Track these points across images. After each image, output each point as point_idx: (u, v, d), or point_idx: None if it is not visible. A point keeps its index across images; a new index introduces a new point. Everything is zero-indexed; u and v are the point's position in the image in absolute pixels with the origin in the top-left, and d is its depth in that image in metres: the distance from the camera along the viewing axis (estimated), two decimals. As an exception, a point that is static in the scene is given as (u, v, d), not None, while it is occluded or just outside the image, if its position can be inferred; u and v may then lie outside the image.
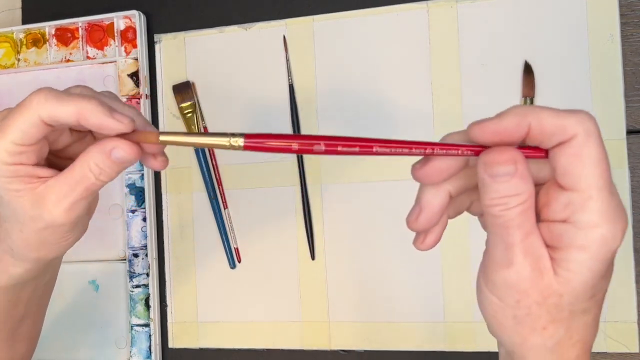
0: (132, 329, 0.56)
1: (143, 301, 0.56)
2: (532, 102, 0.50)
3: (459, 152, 0.27)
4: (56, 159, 0.34)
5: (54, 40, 0.59)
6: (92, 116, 0.29)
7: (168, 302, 0.57)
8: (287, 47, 0.55)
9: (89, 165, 0.31)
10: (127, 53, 0.57)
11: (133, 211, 0.57)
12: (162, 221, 0.58)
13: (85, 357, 0.58)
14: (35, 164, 0.31)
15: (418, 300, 0.52)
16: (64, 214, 0.31)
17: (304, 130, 0.55)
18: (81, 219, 0.33)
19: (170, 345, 0.57)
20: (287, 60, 0.55)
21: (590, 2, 0.49)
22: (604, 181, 0.25)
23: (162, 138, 0.30)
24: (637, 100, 0.49)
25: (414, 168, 0.28)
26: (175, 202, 0.57)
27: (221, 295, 0.56)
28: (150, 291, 0.56)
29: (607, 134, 0.48)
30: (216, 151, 0.57)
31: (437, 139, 0.28)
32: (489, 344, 0.51)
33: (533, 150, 0.26)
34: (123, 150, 0.30)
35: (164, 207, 0.58)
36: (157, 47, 0.58)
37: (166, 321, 0.57)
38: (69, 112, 0.29)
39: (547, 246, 0.26)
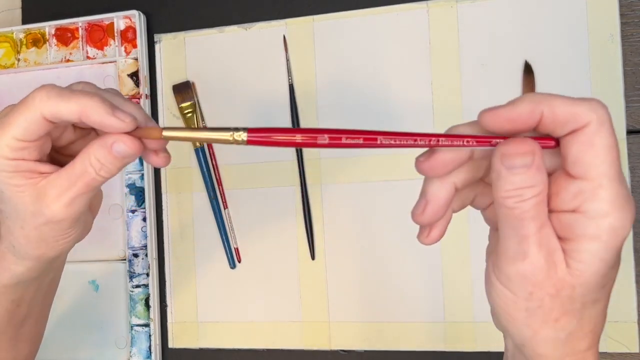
0: (132, 329, 0.56)
1: (143, 301, 0.56)
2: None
3: (463, 142, 0.26)
4: (60, 156, 0.34)
5: (54, 40, 0.59)
6: (94, 114, 0.29)
7: (168, 302, 0.57)
8: (287, 47, 0.55)
9: (90, 160, 0.31)
10: (127, 53, 0.57)
11: (133, 211, 0.57)
12: (162, 221, 0.58)
13: (85, 357, 0.58)
14: (37, 160, 0.31)
15: (418, 300, 0.52)
16: (64, 209, 0.31)
17: (304, 130, 0.55)
18: (82, 216, 0.33)
19: (170, 345, 0.57)
20: (287, 60, 0.55)
21: (590, 2, 0.49)
22: (615, 170, 0.25)
23: (166, 134, 0.30)
24: (637, 100, 0.49)
25: (419, 161, 0.28)
26: (175, 202, 0.57)
27: (221, 295, 0.56)
28: (150, 291, 0.56)
29: (607, 134, 0.48)
30: (216, 151, 0.57)
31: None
32: (489, 344, 0.51)
33: (543, 140, 0.26)
34: (124, 144, 0.30)
35: (164, 207, 0.58)
36: (157, 47, 0.58)
37: (166, 321, 0.57)
38: (70, 109, 0.29)
39: (558, 238, 0.26)
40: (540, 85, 0.50)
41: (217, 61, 0.57)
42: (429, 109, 0.52)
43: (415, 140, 0.27)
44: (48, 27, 0.59)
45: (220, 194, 0.56)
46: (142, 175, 0.57)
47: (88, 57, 0.58)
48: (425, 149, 0.28)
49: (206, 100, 0.57)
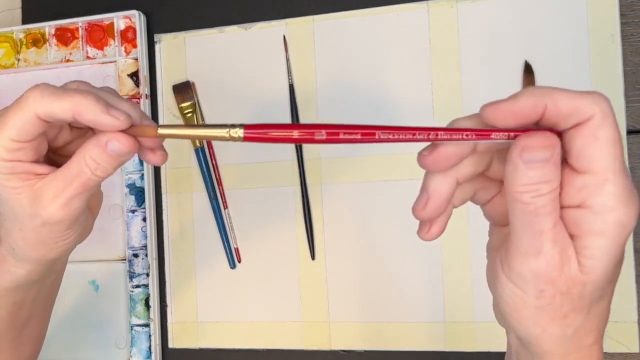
0: (132, 329, 0.56)
1: (143, 301, 0.56)
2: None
3: (463, 136, 0.26)
4: (57, 157, 0.34)
5: (54, 40, 0.59)
6: (88, 112, 0.29)
7: (168, 302, 0.57)
8: (287, 47, 0.55)
9: (85, 159, 0.30)
10: (127, 53, 0.57)
11: (133, 211, 0.57)
12: (162, 221, 0.58)
13: (85, 357, 0.58)
14: (34, 161, 0.31)
15: (418, 300, 0.52)
16: (60, 211, 0.31)
17: (304, 130, 0.55)
18: (81, 217, 0.33)
19: (170, 345, 0.57)
20: (287, 60, 0.55)
21: (590, 2, 0.49)
22: (619, 163, 0.24)
23: (161, 131, 0.29)
24: (637, 100, 0.49)
25: (421, 155, 0.28)
26: (175, 202, 0.57)
27: (221, 295, 0.56)
28: (150, 291, 0.56)
29: (607, 134, 0.48)
30: (216, 151, 0.57)
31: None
32: (489, 344, 0.51)
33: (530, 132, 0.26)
34: (118, 142, 0.30)
35: (164, 207, 0.58)
36: (157, 47, 0.58)
37: (166, 321, 0.57)
38: (64, 108, 0.29)
39: None
40: (540, 85, 0.50)
41: (217, 61, 0.57)
42: (429, 108, 0.52)
43: (414, 134, 0.27)
44: (48, 27, 0.59)
45: (220, 194, 0.56)
46: (142, 175, 0.57)
47: (88, 57, 0.58)
48: (426, 144, 0.28)
49: (206, 100, 0.57)
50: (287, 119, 0.55)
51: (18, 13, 0.62)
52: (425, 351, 0.52)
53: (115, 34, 0.57)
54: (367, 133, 0.27)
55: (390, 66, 0.53)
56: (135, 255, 0.57)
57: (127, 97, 0.57)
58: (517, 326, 0.27)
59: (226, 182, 0.56)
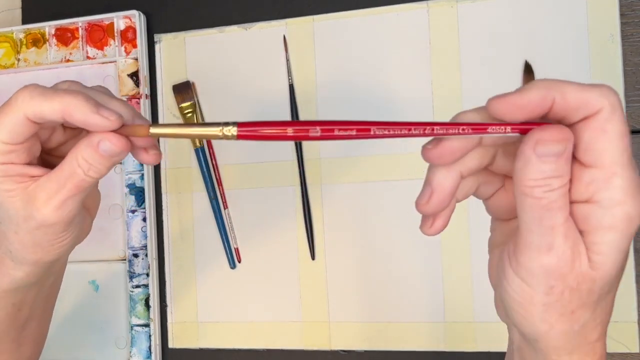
0: (132, 329, 0.56)
1: (143, 301, 0.56)
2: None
3: (459, 130, 0.26)
4: (51, 158, 0.34)
5: (54, 40, 0.59)
6: (77, 112, 0.28)
7: (168, 302, 0.57)
8: (287, 47, 0.55)
9: (78, 160, 0.30)
10: (127, 53, 0.57)
11: (133, 211, 0.57)
12: (162, 221, 0.58)
13: (85, 357, 0.58)
14: (27, 163, 0.31)
15: (418, 300, 0.52)
16: (54, 213, 0.30)
17: (304, 130, 0.55)
18: (76, 218, 0.33)
19: (170, 345, 0.57)
20: (287, 60, 0.55)
21: (590, 2, 0.49)
22: (627, 157, 0.24)
23: (153, 130, 0.29)
24: (637, 100, 0.49)
25: (426, 149, 0.27)
26: (175, 202, 0.57)
27: (221, 295, 0.56)
28: (150, 291, 0.56)
29: (607, 134, 0.48)
30: (216, 151, 0.57)
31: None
32: (489, 344, 0.51)
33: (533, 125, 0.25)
34: (110, 142, 0.29)
35: (164, 207, 0.58)
36: (157, 47, 0.58)
37: (166, 321, 0.57)
38: (53, 108, 0.29)
39: None
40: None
41: (217, 61, 0.57)
42: (429, 108, 0.52)
43: (410, 129, 0.26)
44: (48, 27, 0.59)
45: (220, 194, 0.56)
46: (142, 175, 0.57)
47: (88, 57, 0.58)
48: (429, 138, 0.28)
49: (206, 100, 0.57)
50: (287, 119, 0.55)
51: (18, 13, 0.62)
52: (425, 351, 0.52)
53: (115, 34, 0.57)
54: (362, 129, 0.26)
55: (390, 66, 0.53)
56: (135, 255, 0.56)
57: (127, 97, 0.57)
58: (523, 322, 0.27)
59: (226, 182, 0.56)
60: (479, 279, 0.51)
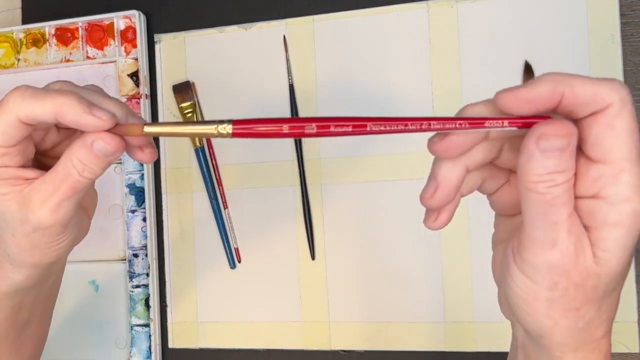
0: (132, 329, 0.56)
1: (143, 301, 0.56)
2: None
3: (456, 125, 0.26)
4: (46, 159, 0.33)
5: (54, 40, 0.59)
6: (70, 113, 0.28)
7: (168, 302, 0.57)
8: (287, 47, 0.55)
9: (72, 161, 0.29)
10: (127, 53, 0.57)
11: (133, 211, 0.57)
12: (162, 221, 0.58)
13: (85, 357, 0.58)
14: (21, 166, 0.30)
15: (418, 300, 0.52)
16: (50, 215, 0.30)
17: (304, 130, 0.55)
18: (73, 220, 0.32)
19: (170, 345, 0.57)
20: (287, 60, 0.55)
21: (590, 2, 0.49)
22: (636, 153, 0.24)
23: (147, 129, 0.28)
24: (637, 100, 0.49)
25: (432, 142, 0.27)
26: (175, 202, 0.57)
27: (221, 295, 0.56)
28: (150, 291, 0.56)
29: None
30: (216, 151, 0.57)
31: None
32: (489, 344, 0.51)
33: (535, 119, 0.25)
34: (104, 142, 0.29)
35: (164, 207, 0.58)
36: (157, 47, 0.58)
37: (166, 321, 0.57)
38: (45, 109, 0.28)
39: None
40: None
41: (217, 61, 0.57)
42: (429, 108, 0.52)
43: (406, 125, 0.26)
44: (48, 27, 0.59)
45: (220, 194, 0.56)
46: (142, 175, 0.57)
47: (88, 57, 0.58)
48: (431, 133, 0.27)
49: (206, 100, 0.57)
50: (287, 119, 0.55)
51: (18, 13, 0.62)
52: (425, 351, 0.52)
53: (115, 34, 0.57)
54: (359, 125, 0.26)
55: (390, 66, 0.53)
56: (135, 255, 0.57)
57: (127, 97, 0.57)
58: (528, 319, 0.27)
59: (226, 182, 0.56)
60: (479, 279, 0.51)
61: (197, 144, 0.56)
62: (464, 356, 0.51)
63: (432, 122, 0.26)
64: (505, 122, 0.25)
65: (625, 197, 0.24)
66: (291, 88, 0.55)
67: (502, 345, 0.50)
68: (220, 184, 0.56)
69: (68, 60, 0.58)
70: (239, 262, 0.56)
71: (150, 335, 0.56)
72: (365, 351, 0.53)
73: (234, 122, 0.27)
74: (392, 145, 0.53)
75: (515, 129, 0.25)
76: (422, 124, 0.26)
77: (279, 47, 0.55)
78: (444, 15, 0.52)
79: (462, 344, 0.51)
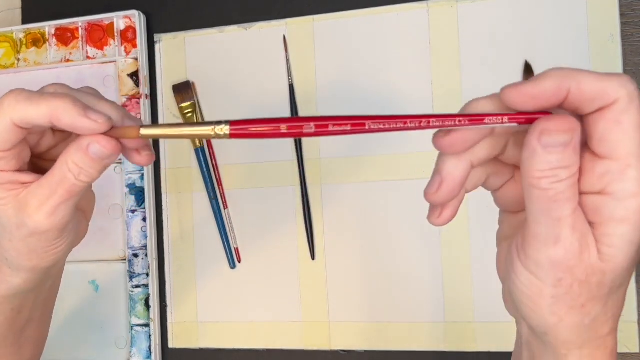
0: (132, 329, 0.56)
1: (143, 301, 0.56)
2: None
3: (455, 122, 0.25)
4: (42, 162, 0.33)
5: (54, 40, 0.59)
6: (65, 116, 0.28)
7: (168, 302, 0.57)
8: (287, 47, 0.55)
9: (68, 164, 0.29)
10: (127, 53, 0.57)
11: (133, 211, 0.57)
12: (162, 221, 0.58)
13: (85, 357, 0.58)
14: (17, 170, 0.30)
15: (418, 300, 0.52)
16: (46, 220, 0.30)
17: (304, 130, 0.55)
18: (70, 223, 0.32)
19: (170, 345, 0.57)
20: (287, 60, 0.55)
21: (590, 2, 0.49)
22: None
23: (143, 132, 0.28)
24: (637, 100, 0.49)
25: (437, 137, 0.26)
26: (175, 202, 0.57)
27: (221, 296, 0.56)
28: (150, 291, 0.56)
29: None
30: (216, 151, 0.57)
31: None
32: (489, 344, 0.51)
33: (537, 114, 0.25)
34: (100, 145, 0.29)
35: (164, 207, 0.58)
36: (157, 47, 0.58)
37: (166, 321, 0.57)
38: (40, 113, 0.28)
39: None
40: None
41: (217, 61, 0.57)
42: (429, 108, 0.52)
43: (405, 122, 0.26)
44: (48, 27, 0.59)
45: (220, 194, 0.56)
46: (142, 175, 0.57)
47: (88, 57, 0.58)
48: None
49: (206, 100, 0.57)
50: (287, 119, 0.55)
51: (18, 13, 0.62)
52: (425, 351, 0.52)
53: (115, 34, 0.57)
54: (357, 124, 0.26)
55: (390, 66, 0.53)
56: (135, 255, 0.56)
57: (127, 97, 0.57)
58: (532, 315, 0.26)
59: (226, 182, 0.56)
60: (479, 279, 0.51)
61: (197, 144, 0.56)
62: (464, 356, 0.51)
63: (431, 120, 0.26)
64: (505, 119, 0.25)
65: (631, 193, 0.24)
66: (291, 88, 0.55)
67: (502, 345, 0.50)
68: (220, 184, 0.56)
69: (68, 60, 0.58)
70: (239, 262, 0.56)
71: (150, 335, 0.56)
72: (365, 351, 0.53)
73: (231, 122, 0.27)
74: (392, 145, 0.53)
75: (515, 125, 0.25)
76: (421, 122, 0.26)
77: (279, 47, 0.55)
78: (444, 15, 0.52)
79: (462, 344, 0.51)
